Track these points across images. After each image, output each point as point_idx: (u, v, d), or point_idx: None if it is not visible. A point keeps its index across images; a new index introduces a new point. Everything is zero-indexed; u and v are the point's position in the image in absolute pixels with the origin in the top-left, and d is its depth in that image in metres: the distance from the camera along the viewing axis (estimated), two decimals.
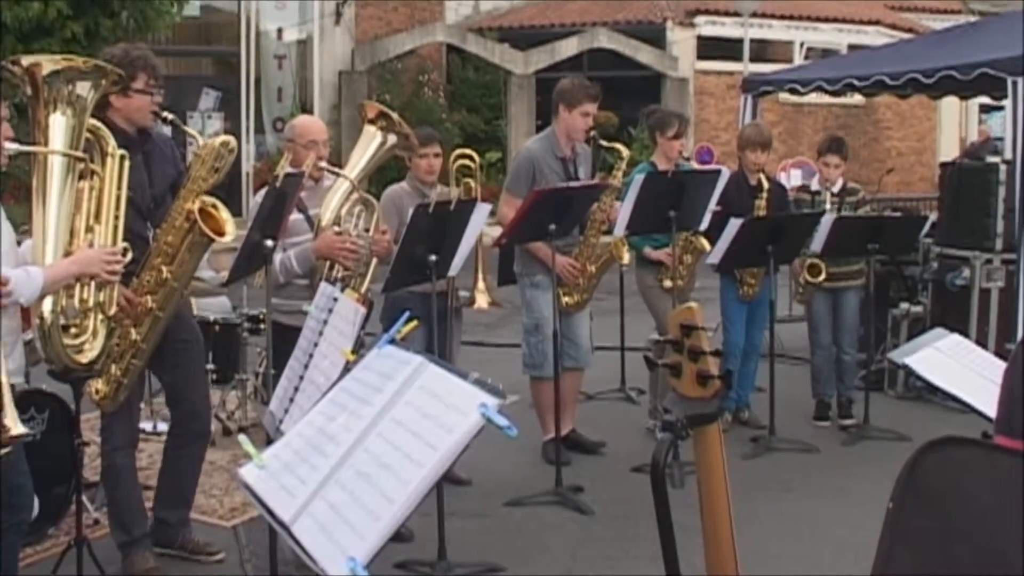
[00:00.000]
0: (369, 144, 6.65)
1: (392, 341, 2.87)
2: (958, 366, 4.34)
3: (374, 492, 2.40)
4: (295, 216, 6.42)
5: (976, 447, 1.85)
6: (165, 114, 5.78)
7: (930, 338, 4.52)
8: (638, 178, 7.69)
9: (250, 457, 2.85)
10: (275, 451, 2.84)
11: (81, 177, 5.08)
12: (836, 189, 9.16)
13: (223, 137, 5.75)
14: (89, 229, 5.08)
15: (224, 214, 5.51)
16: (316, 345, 3.79)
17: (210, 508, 7.06)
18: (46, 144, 4.93)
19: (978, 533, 1.79)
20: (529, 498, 7.22)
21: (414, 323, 3.07)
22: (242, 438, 2.93)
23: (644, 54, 26.71)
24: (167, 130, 6.28)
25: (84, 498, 6.51)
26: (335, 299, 3.82)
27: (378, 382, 2.71)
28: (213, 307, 9.03)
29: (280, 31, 24.90)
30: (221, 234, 5.46)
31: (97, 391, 5.60)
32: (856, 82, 11.51)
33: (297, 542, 2.52)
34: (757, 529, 6.65)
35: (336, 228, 6.28)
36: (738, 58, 24.04)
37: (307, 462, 2.68)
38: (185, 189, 5.56)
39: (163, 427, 7.95)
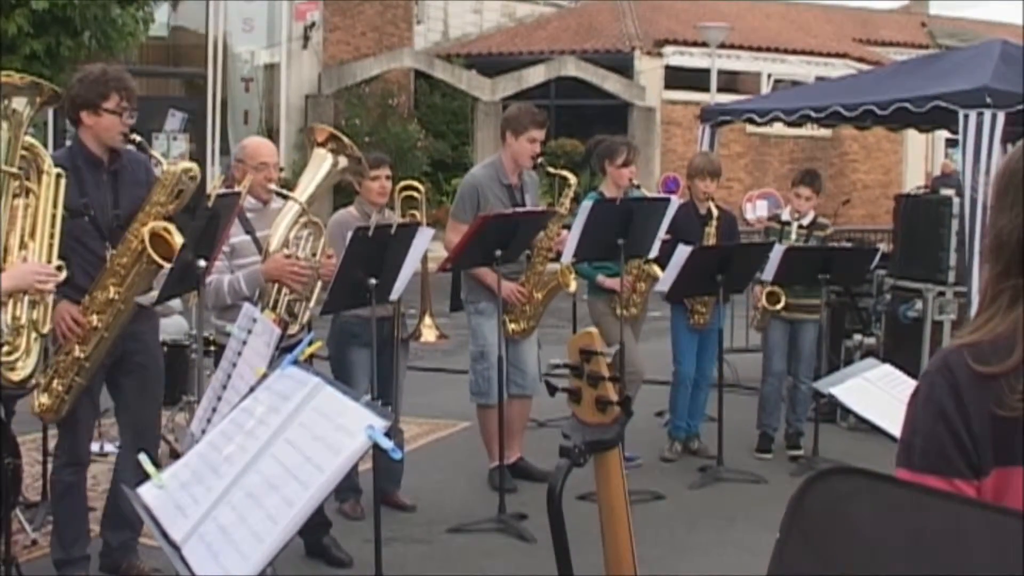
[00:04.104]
0: (319, 167, 6.60)
1: (295, 362, 2.84)
2: (886, 396, 4.30)
3: (261, 513, 2.37)
4: (242, 238, 6.40)
5: (862, 478, 1.83)
6: (133, 136, 5.72)
7: (859, 368, 4.50)
8: (585, 205, 7.69)
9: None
10: (174, 471, 2.81)
11: (16, 195, 5.05)
12: (806, 222, 9.16)
13: (186, 163, 5.75)
14: (23, 246, 5.05)
15: (177, 238, 5.44)
16: (235, 365, 3.76)
17: None
18: None
19: (858, 567, 1.76)
20: (472, 525, 7.18)
21: (318, 344, 3.05)
22: (141, 457, 2.89)
23: (611, 83, 26.82)
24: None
25: (23, 518, 6.47)
26: (255, 320, 3.80)
27: (276, 403, 2.69)
28: (169, 328, 8.98)
29: (250, 54, 24.89)
30: (172, 258, 5.42)
31: (40, 404, 5.59)
32: (813, 113, 11.53)
33: (187, 564, 2.48)
34: (700, 559, 6.65)
35: (285, 251, 6.24)
36: (706, 88, 24.14)
37: (203, 482, 2.65)
38: (143, 212, 5.54)
39: (109, 448, 7.91)
